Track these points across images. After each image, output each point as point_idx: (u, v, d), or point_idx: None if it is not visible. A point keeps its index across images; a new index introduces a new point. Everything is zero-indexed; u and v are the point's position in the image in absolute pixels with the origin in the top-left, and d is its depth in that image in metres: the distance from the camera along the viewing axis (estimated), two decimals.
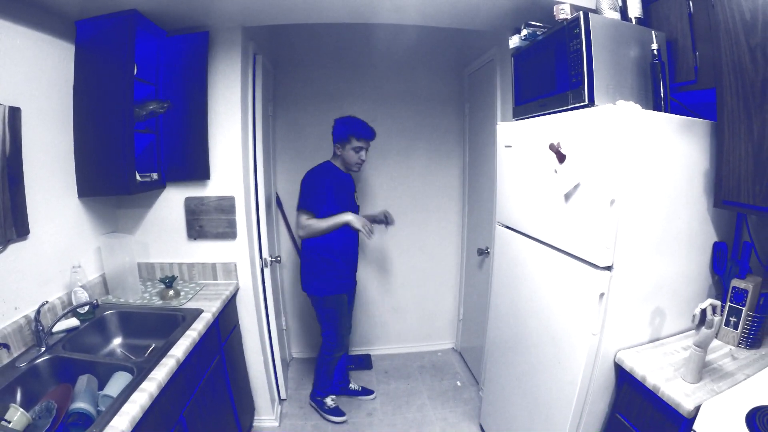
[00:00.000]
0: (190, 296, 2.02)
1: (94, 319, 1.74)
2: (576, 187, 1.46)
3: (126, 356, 1.72)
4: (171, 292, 1.98)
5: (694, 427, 1.10)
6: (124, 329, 1.83)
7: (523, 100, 1.91)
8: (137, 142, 1.84)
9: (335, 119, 2.40)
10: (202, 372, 1.73)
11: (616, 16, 1.60)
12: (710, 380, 1.25)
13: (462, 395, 2.84)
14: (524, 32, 1.78)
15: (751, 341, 1.41)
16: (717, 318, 1.20)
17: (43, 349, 1.45)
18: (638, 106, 1.33)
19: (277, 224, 3.05)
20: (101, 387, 1.36)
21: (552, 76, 1.62)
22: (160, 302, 1.95)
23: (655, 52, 1.45)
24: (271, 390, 2.51)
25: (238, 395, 2.14)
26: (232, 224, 2.21)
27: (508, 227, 2.00)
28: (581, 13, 1.42)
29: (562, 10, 1.59)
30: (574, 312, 1.51)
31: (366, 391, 2.82)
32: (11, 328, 1.41)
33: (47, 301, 1.54)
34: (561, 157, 1.52)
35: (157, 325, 1.80)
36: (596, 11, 1.61)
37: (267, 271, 2.46)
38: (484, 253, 2.71)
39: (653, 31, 1.48)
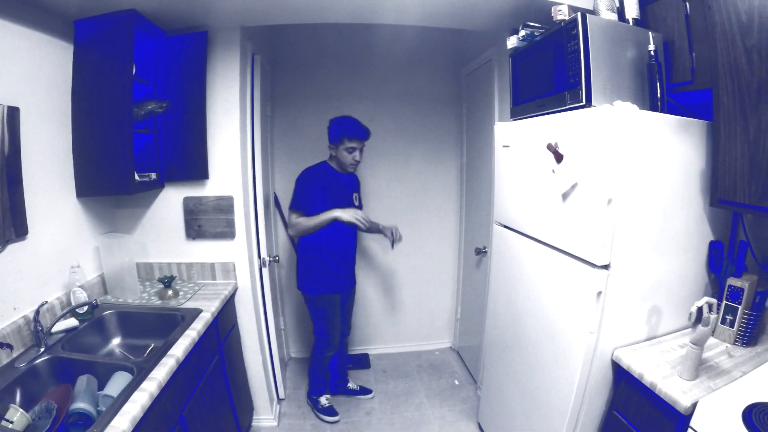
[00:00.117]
0: (189, 296, 2.02)
1: (93, 319, 1.74)
2: (573, 186, 1.47)
3: (125, 356, 1.72)
4: (170, 292, 1.98)
5: (691, 423, 1.12)
6: (123, 329, 1.83)
7: (520, 101, 1.92)
8: (136, 141, 1.84)
9: (330, 119, 2.40)
10: (201, 371, 1.73)
11: (614, 17, 1.61)
12: (707, 377, 1.26)
13: (460, 394, 2.85)
14: (522, 33, 1.78)
15: (747, 339, 1.43)
16: (713, 316, 1.22)
17: (43, 349, 1.44)
18: (635, 107, 1.34)
19: (275, 224, 3.06)
20: (101, 387, 1.36)
21: (550, 76, 1.63)
22: (159, 302, 1.94)
23: (652, 52, 1.46)
24: (269, 389, 2.51)
25: (237, 395, 2.14)
26: (230, 224, 2.21)
27: (505, 226, 2.01)
28: (579, 14, 1.43)
29: (560, 11, 1.60)
30: (571, 310, 1.52)
31: (364, 391, 2.83)
32: (10, 328, 1.41)
33: (46, 302, 1.54)
34: (558, 157, 1.53)
35: (155, 325, 1.80)
36: (594, 12, 1.62)
37: (265, 271, 2.46)
38: (481, 252, 2.72)
39: (650, 32, 1.49)
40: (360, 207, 2.54)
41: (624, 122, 1.32)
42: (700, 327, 1.22)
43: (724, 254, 1.52)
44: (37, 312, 1.45)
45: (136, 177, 1.87)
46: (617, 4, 1.63)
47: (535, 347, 1.75)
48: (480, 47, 2.69)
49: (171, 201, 2.19)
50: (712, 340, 1.47)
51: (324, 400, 2.62)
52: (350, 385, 2.83)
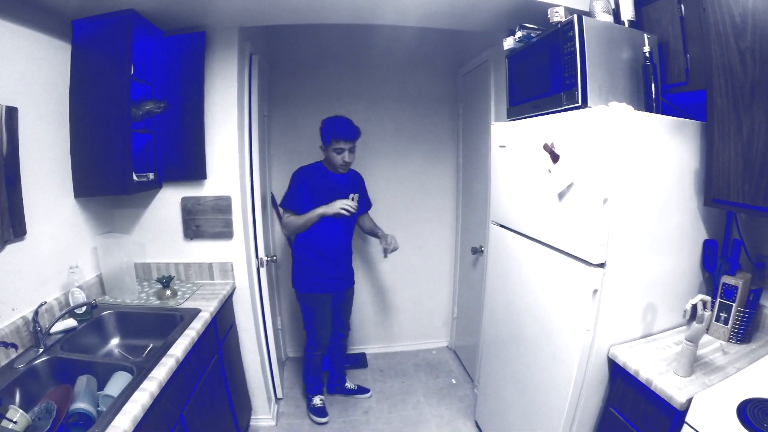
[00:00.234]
0: (188, 296, 2.02)
1: (92, 319, 1.74)
2: (569, 186, 1.49)
3: (124, 356, 1.72)
4: (168, 292, 1.98)
5: (687, 419, 1.14)
6: (122, 329, 1.82)
7: (517, 101, 1.93)
8: (134, 142, 1.84)
9: (322, 120, 2.37)
10: (200, 371, 1.73)
11: (609, 19, 1.63)
12: (702, 374, 1.28)
13: (457, 392, 2.86)
14: (519, 34, 1.80)
15: (741, 336, 1.45)
16: (707, 313, 1.23)
17: (42, 350, 1.44)
18: (630, 107, 1.36)
19: (273, 224, 3.06)
20: (100, 387, 1.36)
21: (546, 77, 1.65)
22: (158, 302, 1.94)
23: (647, 54, 1.48)
24: (267, 389, 2.51)
25: (235, 394, 2.14)
26: (228, 224, 2.21)
27: (502, 226, 2.03)
28: (575, 16, 1.44)
29: (556, 12, 1.61)
30: (568, 308, 1.53)
31: (362, 390, 2.84)
32: (9, 329, 1.41)
33: (45, 302, 1.53)
34: (555, 157, 1.55)
35: (154, 325, 1.80)
36: (589, 14, 1.64)
37: (263, 271, 2.47)
38: (478, 251, 2.74)
39: (645, 34, 1.51)
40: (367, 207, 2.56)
41: (619, 123, 1.33)
42: (694, 324, 1.24)
43: (718, 253, 1.54)
44: (36, 312, 1.45)
45: (135, 177, 1.87)
46: (613, 6, 1.65)
47: (532, 345, 1.76)
48: (477, 48, 2.70)
49: (169, 201, 2.19)
50: (706, 338, 1.49)
51: (317, 400, 2.62)
52: (348, 384, 2.84)
